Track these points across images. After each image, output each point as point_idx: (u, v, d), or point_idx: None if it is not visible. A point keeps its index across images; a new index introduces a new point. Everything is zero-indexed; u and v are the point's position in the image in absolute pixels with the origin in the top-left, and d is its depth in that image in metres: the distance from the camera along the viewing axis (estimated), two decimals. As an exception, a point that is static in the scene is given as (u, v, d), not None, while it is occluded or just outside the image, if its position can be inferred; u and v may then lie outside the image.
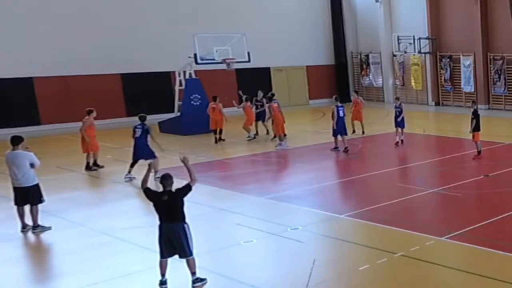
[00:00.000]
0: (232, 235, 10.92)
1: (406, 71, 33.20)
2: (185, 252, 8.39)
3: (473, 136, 17.45)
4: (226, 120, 21.24)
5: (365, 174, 16.11)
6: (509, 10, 28.10)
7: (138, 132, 15.33)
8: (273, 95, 21.08)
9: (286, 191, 14.42)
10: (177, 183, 15.27)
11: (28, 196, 11.35)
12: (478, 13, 29.21)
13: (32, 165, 11.27)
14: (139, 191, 14.22)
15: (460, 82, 30.85)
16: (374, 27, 33.82)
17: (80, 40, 25.80)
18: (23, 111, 24.65)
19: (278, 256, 9.96)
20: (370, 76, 34.70)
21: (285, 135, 20.40)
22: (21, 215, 11.47)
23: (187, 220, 8.52)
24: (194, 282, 8.46)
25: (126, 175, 15.35)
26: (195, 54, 23.05)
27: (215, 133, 21.42)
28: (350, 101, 27.07)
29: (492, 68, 29.52)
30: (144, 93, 27.33)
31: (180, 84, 24.06)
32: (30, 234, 11.34)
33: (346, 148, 18.48)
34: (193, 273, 8.50)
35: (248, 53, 24.38)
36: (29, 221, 11.50)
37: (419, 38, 30.97)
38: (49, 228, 11.46)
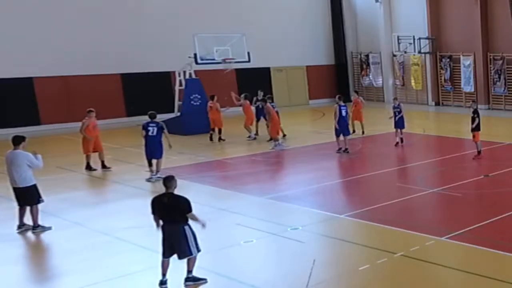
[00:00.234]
0: (232, 235, 10.93)
1: (406, 71, 33.19)
2: (184, 252, 8.43)
3: (473, 136, 17.45)
4: (223, 111, 21.37)
5: (365, 174, 16.12)
6: (509, 10, 28.11)
7: (153, 131, 15.21)
8: (268, 97, 20.99)
9: (286, 191, 14.42)
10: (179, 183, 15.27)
11: (25, 197, 11.35)
12: (478, 13, 29.21)
13: (30, 166, 11.24)
14: (139, 191, 14.30)
15: (460, 82, 30.85)
16: (374, 27, 33.82)
17: (80, 40, 25.79)
18: (23, 111, 24.64)
19: (278, 256, 9.96)
20: (370, 76, 34.69)
21: (284, 135, 20.40)
22: (21, 215, 11.49)
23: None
24: (186, 279, 8.55)
25: (153, 175, 15.25)
26: (195, 54, 23.05)
27: (212, 131, 21.47)
28: (350, 101, 27.09)
29: (492, 68, 29.52)
30: (144, 93, 27.32)
31: (180, 84, 24.05)
32: (30, 234, 11.35)
33: (346, 148, 18.43)
34: (189, 271, 8.56)
35: (248, 53, 24.38)
36: (28, 221, 11.51)
37: (419, 38, 30.97)
38: (49, 228, 11.46)
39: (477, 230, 10.88)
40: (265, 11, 31.52)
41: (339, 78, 35.19)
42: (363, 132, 22.00)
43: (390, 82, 34.11)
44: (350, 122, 20.36)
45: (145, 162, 15.64)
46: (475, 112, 17.32)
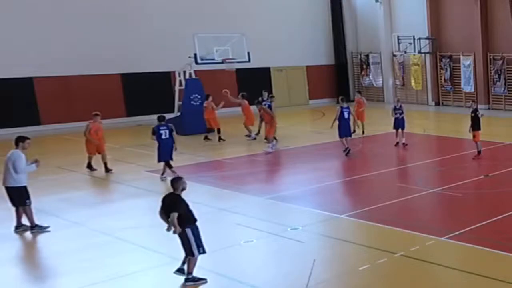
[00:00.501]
0: (232, 235, 10.92)
1: (406, 71, 33.19)
2: (185, 252, 8.54)
3: (474, 136, 17.44)
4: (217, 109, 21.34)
5: (365, 174, 16.11)
6: (509, 10, 28.11)
7: (165, 133, 15.17)
8: (263, 100, 20.83)
9: (286, 191, 14.42)
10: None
11: (12, 197, 11.36)
12: (478, 13, 29.21)
13: (15, 169, 11.14)
14: (139, 191, 14.30)
15: (460, 82, 30.84)
16: (374, 27, 33.82)
17: (80, 40, 25.78)
18: (23, 111, 24.64)
19: (278, 256, 9.96)
20: (370, 76, 34.69)
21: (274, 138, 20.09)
22: (17, 216, 11.50)
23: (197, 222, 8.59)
24: (186, 280, 8.58)
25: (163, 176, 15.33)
26: (195, 54, 23.03)
27: (208, 131, 21.46)
28: (352, 101, 27.10)
29: (492, 68, 29.52)
30: (144, 93, 27.33)
31: (180, 84, 24.04)
32: (28, 234, 11.34)
33: (348, 150, 18.24)
34: (188, 273, 8.56)
35: (248, 53, 24.37)
36: (27, 221, 11.54)
37: (419, 38, 30.97)
38: (47, 228, 11.45)
39: (477, 230, 10.88)
40: (265, 11, 31.51)
41: (339, 78, 35.18)
42: (363, 132, 21.99)
43: (390, 82, 34.10)
44: (353, 122, 20.26)
45: (148, 163, 15.59)
46: (476, 112, 17.32)
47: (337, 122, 18.28)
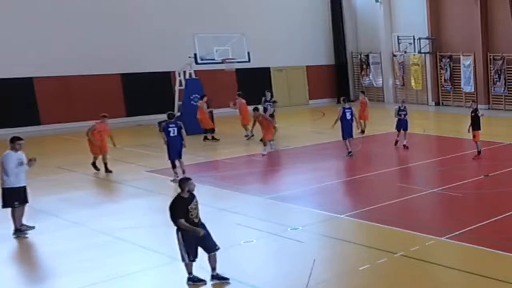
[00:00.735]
0: (232, 235, 10.91)
1: (406, 71, 33.19)
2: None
3: (474, 136, 17.44)
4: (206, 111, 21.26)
5: (365, 174, 16.11)
6: (509, 10, 28.11)
7: (174, 131, 15.12)
8: (266, 100, 20.78)
9: (286, 191, 14.42)
10: (174, 184, 15.28)
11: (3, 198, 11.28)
12: (478, 13, 29.21)
13: (5, 171, 11.03)
14: (139, 191, 14.30)
15: (460, 82, 30.85)
16: (374, 27, 33.82)
17: (80, 40, 25.78)
18: (23, 111, 24.64)
19: (278, 256, 9.96)
20: (370, 76, 34.69)
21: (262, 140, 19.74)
22: (17, 216, 11.42)
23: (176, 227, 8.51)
24: (188, 279, 8.61)
25: (177, 177, 15.00)
26: (195, 54, 23.03)
27: (205, 132, 21.58)
28: (352, 100, 27.12)
29: (492, 68, 29.52)
30: (144, 93, 27.33)
31: (180, 84, 24.05)
32: (28, 234, 11.32)
33: (349, 151, 18.11)
34: (189, 272, 8.60)
35: (248, 53, 24.37)
36: (28, 222, 11.54)
37: (419, 38, 30.98)
38: (31, 228, 11.33)
39: (477, 230, 10.88)
40: (265, 11, 31.51)
41: (339, 78, 35.18)
42: (362, 132, 21.98)
43: (390, 82, 34.11)
44: (356, 124, 20.21)
45: (148, 164, 15.59)
46: (475, 111, 17.33)
47: (339, 123, 18.21)
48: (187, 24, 27.15)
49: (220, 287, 8.71)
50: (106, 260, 9.79)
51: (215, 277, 8.57)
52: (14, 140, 11.27)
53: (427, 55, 31.83)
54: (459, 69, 30.69)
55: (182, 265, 8.58)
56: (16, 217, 11.22)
